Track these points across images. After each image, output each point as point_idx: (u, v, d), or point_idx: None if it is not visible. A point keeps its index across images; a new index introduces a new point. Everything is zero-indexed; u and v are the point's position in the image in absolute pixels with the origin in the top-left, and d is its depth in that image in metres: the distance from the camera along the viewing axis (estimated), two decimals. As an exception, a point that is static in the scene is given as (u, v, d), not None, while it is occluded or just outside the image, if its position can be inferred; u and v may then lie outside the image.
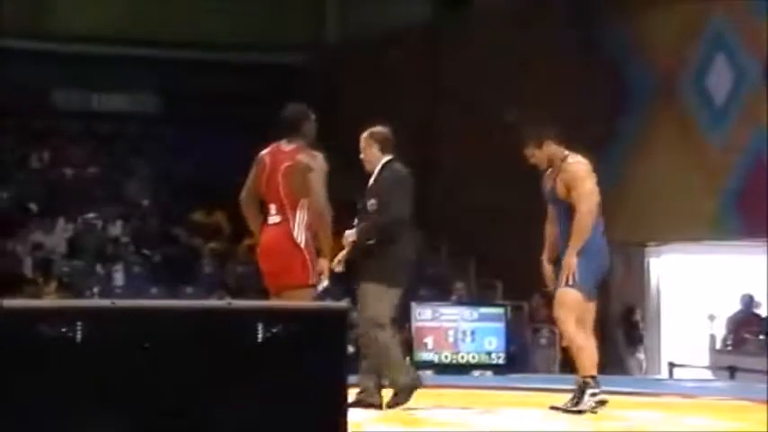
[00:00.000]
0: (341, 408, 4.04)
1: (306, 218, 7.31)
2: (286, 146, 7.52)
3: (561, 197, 7.49)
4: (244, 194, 7.67)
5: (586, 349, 7.44)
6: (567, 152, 7.62)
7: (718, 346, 15.77)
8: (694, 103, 16.93)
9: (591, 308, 7.52)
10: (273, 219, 7.44)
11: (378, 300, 7.40)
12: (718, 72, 16.60)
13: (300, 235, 7.33)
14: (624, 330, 16.64)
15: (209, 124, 21.31)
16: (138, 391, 3.91)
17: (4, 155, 20.81)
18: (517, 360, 14.82)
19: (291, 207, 7.37)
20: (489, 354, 13.64)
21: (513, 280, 15.18)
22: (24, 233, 18.63)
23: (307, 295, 7.09)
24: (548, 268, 7.62)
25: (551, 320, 16.78)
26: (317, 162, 7.40)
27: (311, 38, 22.69)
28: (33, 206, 19.66)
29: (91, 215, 19.56)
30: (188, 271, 18.50)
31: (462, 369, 13.30)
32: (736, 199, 16.29)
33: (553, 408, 7.49)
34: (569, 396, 7.51)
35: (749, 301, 15.89)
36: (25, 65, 20.77)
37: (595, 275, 7.51)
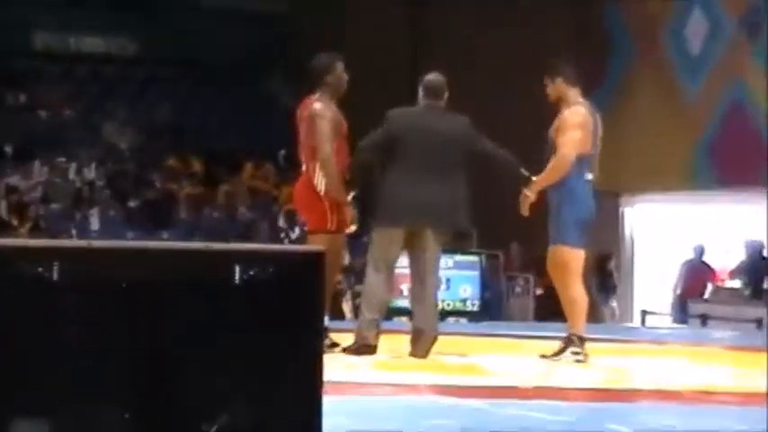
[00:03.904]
0: (317, 349, 4.07)
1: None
2: (311, 97, 7.57)
3: (552, 141, 7.54)
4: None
5: (578, 303, 7.47)
6: (575, 98, 7.61)
7: (672, 293, 15.97)
8: (671, 55, 16.96)
9: (581, 255, 7.52)
10: (303, 168, 7.54)
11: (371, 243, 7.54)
12: (695, 24, 16.62)
13: (321, 183, 7.38)
14: (598, 279, 16.75)
15: (185, 69, 21.23)
16: (113, 331, 3.92)
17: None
18: (492, 308, 14.92)
19: (309, 156, 7.48)
20: (464, 301, 13.72)
21: (489, 229, 15.23)
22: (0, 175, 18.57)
23: (324, 241, 7.13)
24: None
25: (526, 269, 16.99)
26: (324, 111, 7.44)
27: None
28: (8, 149, 19.58)
29: (66, 159, 19.50)
30: (164, 216, 18.50)
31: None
32: (711, 150, 16.38)
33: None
34: (548, 344, 7.61)
35: (700, 251, 16.06)
36: (2, 5, 20.60)
37: (578, 225, 7.53)
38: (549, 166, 7.45)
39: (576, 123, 7.53)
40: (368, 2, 20.33)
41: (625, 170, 16.80)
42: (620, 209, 17.77)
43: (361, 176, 7.60)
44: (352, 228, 7.54)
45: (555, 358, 7.48)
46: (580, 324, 7.53)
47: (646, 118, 16.85)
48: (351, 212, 7.47)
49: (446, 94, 7.54)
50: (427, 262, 7.44)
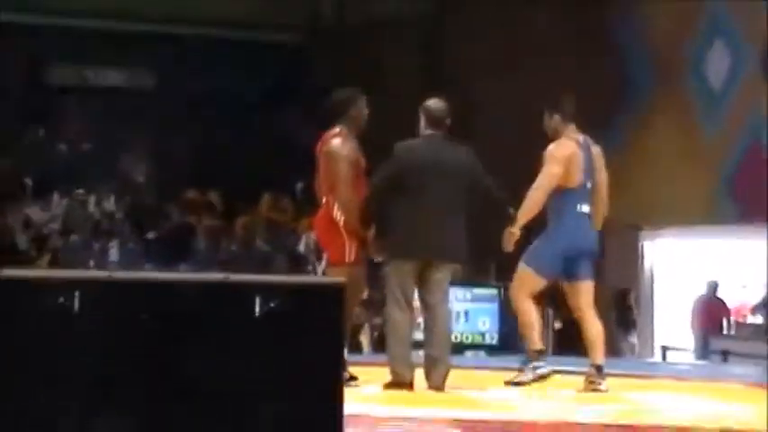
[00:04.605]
0: (337, 381, 4.05)
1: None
2: (330, 131, 7.59)
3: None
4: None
5: (530, 324, 7.69)
6: (568, 133, 7.70)
7: (690, 329, 15.91)
8: (692, 88, 16.94)
9: (539, 283, 7.69)
10: (323, 201, 7.62)
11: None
12: (716, 57, 16.61)
13: (339, 216, 7.41)
14: (617, 313, 16.68)
15: (203, 102, 21.30)
16: (134, 361, 3.90)
17: (1, 130, 20.78)
18: (510, 341, 14.84)
19: (328, 190, 7.52)
20: (483, 334, 13.66)
21: (507, 261, 15.19)
22: (19, 208, 18.61)
23: (342, 273, 7.16)
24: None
25: (543, 302, 16.94)
26: (342, 148, 7.47)
27: (308, 18, 22.64)
28: (28, 181, 19.65)
29: (85, 191, 19.55)
30: (182, 248, 18.51)
31: (456, 349, 13.30)
32: (732, 184, 16.32)
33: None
34: (566, 378, 7.63)
35: (714, 286, 15.98)
36: (21, 39, 20.70)
37: (553, 255, 7.58)
38: (525, 201, 7.59)
39: (556, 157, 7.67)
40: (383, 33, 20.38)
41: (645, 204, 16.77)
42: (641, 243, 17.71)
43: (376, 212, 7.61)
44: (379, 258, 7.61)
45: (516, 380, 7.64)
46: (535, 340, 7.73)
47: (666, 152, 16.81)
48: (374, 243, 7.50)
49: (448, 120, 7.59)
50: (437, 293, 7.50)
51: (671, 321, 17.39)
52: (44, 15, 21.05)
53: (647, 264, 17.80)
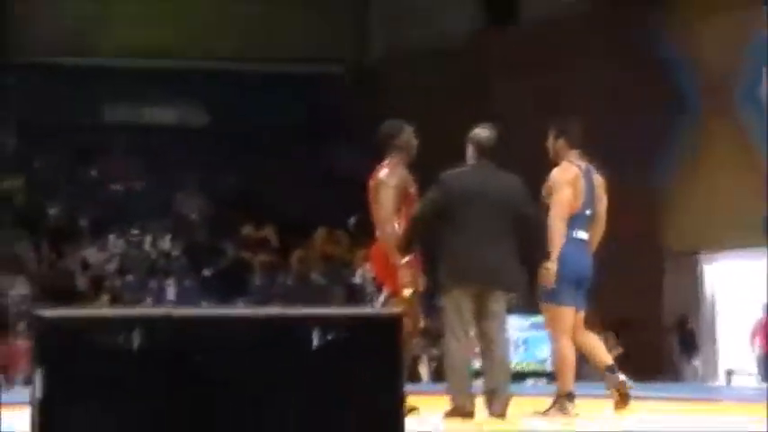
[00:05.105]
0: (398, 413, 4.01)
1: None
2: (382, 163, 7.64)
3: (545, 200, 7.61)
4: None
5: (566, 363, 7.56)
6: (570, 158, 7.65)
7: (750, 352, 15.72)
8: (747, 112, 16.81)
9: (569, 313, 7.60)
10: (377, 233, 7.65)
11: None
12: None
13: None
14: (679, 338, 16.52)
15: (256, 138, 21.40)
16: (193, 398, 3.90)
17: (56, 171, 20.98)
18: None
19: (377, 221, 7.55)
20: (542, 362, 13.57)
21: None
22: (76, 250, 18.76)
23: (399, 303, 7.15)
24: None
25: (604, 329, 16.82)
26: (389, 177, 7.49)
27: (355, 51, 22.75)
28: (84, 222, 19.80)
29: (140, 230, 19.67)
30: (238, 284, 18.57)
31: (516, 377, 13.24)
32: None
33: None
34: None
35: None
36: (75, 80, 20.93)
37: (566, 284, 7.53)
38: (549, 235, 7.52)
39: (564, 180, 7.62)
40: (429, 62, 20.42)
41: (703, 228, 16.63)
42: (699, 267, 17.54)
43: (417, 242, 7.58)
44: (408, 291, 7.50)
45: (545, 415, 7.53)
46: (567, 382, 7.56)
47: (722, 176, 16.67)
48: (408, 275, 7.47)
49: (495, 148, 7.57)
50: (494, 322, 7.46)
51: (734, 345, 17.18)
52: (99, 56, 21.29)
53: (707, 288, 17.63)
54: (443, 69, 20.13)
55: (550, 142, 7.75)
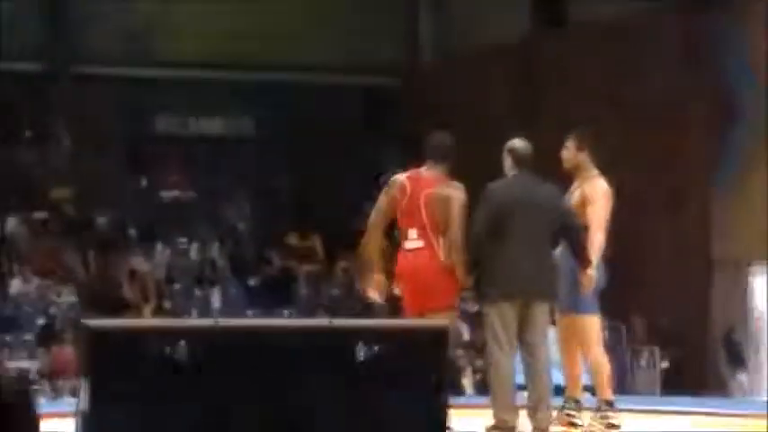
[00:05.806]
0: (442, 424, 4.01)
1: (446, 245, 7.44)
2: (426, 172, 7.59)
3: (574, 210, 7.60)
4: (375, 217, 7.72)
5: (605, 371, 7.61)
6: (591, 170, 7.70)
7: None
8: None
9: (599, 322, 7.73)
10: (414, 243, 7.52)
11: None
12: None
13: (446, 260, 7.44)
14: (726, 351, 16.35)
15: (303, 148, 21.44)
16: (238, 408, 3.91)
17: (105, 180, 21.13)
18: (617, 382, 14.63)
19: (435, 233, 7.48)
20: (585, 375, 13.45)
21: (609, 301, 15.04)
22: (124, 258, 18.89)
23: (453, 317, 7.13)
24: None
25: (650, 341, 16.72)
26: (459, 194, 7.49)
27: (405, 59, 22.76)
28: (133, 231, 19.94)
29: (187, 239, 19.78)
30: (284, 293, 18.62)
31: (559, 390, 13.15)
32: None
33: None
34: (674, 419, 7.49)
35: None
36: (124, 91, 21.07)
37: (597, 293, 7.63)
38: (590, 243, 7.53)
39: (602, 192, 7.68)
40: (478, 67, 20.40)
41: (752, 239, 16.47)
42: (748, 278, 17.38)
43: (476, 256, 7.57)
44: (374, 296, 7.52)
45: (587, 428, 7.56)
46: (607, 389, 7.58)
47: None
48: (379, 280, 7.50)
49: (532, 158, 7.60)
50: (537, 334, 7.44)
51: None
52: (148, 67, 21.42)
53: (756, 299, 17.45)
54: (496, 72, 20.11)
55: (571, 153, 7.78)
